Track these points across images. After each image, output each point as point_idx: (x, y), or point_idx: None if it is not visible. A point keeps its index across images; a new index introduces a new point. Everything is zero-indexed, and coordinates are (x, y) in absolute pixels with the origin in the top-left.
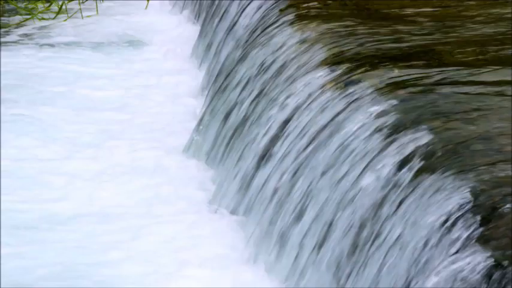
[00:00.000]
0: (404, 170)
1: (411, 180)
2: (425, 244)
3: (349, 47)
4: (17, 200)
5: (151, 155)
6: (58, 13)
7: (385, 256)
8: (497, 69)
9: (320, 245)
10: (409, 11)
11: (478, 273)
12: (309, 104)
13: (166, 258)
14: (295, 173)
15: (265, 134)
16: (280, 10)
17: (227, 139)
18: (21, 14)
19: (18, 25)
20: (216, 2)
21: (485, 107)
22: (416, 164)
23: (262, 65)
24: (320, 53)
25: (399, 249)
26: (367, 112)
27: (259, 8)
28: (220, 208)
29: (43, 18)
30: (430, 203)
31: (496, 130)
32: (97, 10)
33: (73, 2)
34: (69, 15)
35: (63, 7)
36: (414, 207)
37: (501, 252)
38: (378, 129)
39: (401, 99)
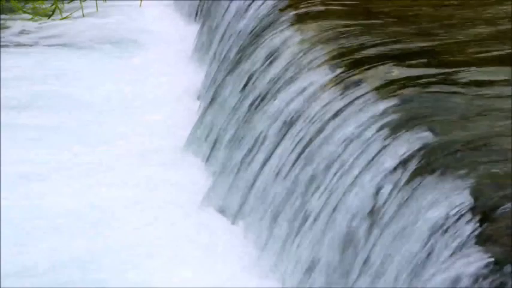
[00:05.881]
0: (404, 170)
1: (411, 180)
2: (425, 244)
3: (349, 47)
4: None
5: (153, 152)
6: (53, 13)
7: (384, 256)
8: (497, 69)
9: (314, 263)
10: (409, 11)
11: (478, 273)
12: (309, 104)
13: None
14: (295, 171)
15: (265, 134)
16: (280, 10)
17: (228, 136)
18: (21, 13)
19: (18, 25)
20: (216, 2)
21: (485, 107)
22: (416, 164)
23: (262, 65)
24: (320, 53)
25: (399, 250)
26: (367, 112)
27: (260, 7)
28: None
29: (42, 17)
30: (430, 203)
31: (496, 130)
32: (97, 8)
33: (73, 2)
34: (69, 14)
35: (62, 7)
36: (414, 207)
37: (501, 252)
38: (378, 129)
39: (401, 99)
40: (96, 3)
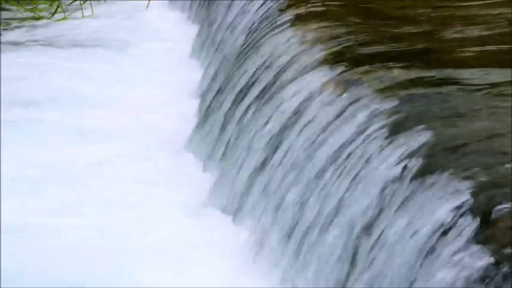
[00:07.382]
0: (404, 170)
1: (411, 181)
2: (425, 244)
3: (349, 47)
4: None
5: (153, 151)
6: (55, 13)
7: (385, 257)
8: (497, 69)
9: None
10: (409, 11)
11: (478, 273)
12: (309, 104)
13: None
14: (295, 171)
15: (265, 134)
16: (280, 10)
17: (227, 137)
18: (21, 13)
19: (19, 25)
20: (216, 2)
21: (485, 107)
22: (416, 164)
23: (262, 65)
24: (320, 53)
25: (399, 250)
26: (367, 112)
27: (260, 8)
28: None
29: (41, 18)
30: (430, 203)
31: (496, 130)
32: (92, 10)
33: (74, 2)
34: (68, 14)
35: (62, 7)
36: (414, 208)
37: (501, 252)
38: (378, 130)
39: (401, 99)
40: (91, 5)
